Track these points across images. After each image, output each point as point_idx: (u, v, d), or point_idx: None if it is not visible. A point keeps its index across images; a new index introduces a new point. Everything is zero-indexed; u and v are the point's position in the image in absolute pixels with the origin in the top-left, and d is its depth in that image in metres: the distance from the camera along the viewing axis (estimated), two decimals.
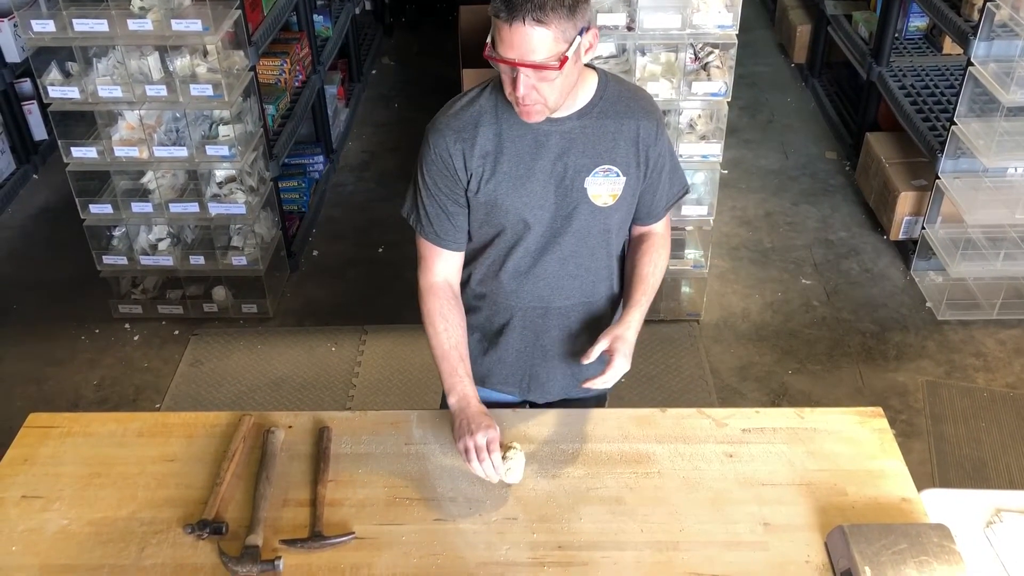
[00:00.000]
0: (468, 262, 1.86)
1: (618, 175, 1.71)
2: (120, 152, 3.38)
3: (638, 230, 1.88)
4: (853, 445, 1.83)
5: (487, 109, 1.68)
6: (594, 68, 1.71)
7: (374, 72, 5.80)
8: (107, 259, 3.66)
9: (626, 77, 3.20)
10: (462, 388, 1.75)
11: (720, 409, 1.92)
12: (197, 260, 3.68)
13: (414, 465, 1.81)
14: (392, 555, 1.63)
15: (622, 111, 1.69)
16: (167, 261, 3.68)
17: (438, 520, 1.70)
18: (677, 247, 3.71)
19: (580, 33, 1.52)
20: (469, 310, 1.90)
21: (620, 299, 1.92)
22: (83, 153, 3.38)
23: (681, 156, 3.31)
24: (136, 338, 3.74)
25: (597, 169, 1.69)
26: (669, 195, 1.84)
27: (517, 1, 1.46)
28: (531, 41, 1.48)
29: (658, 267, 1.84)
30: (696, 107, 3.31)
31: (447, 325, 1.77)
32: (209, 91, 3.25)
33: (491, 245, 1.79)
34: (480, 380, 1.94)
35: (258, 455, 1.83)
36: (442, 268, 1.81)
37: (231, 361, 3.58)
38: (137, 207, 3.51)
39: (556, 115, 1.65)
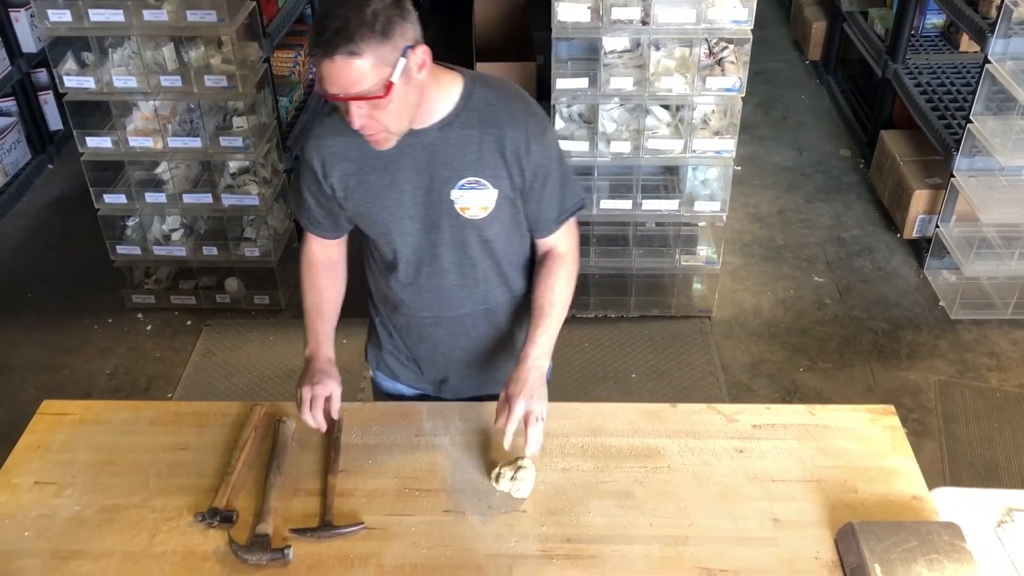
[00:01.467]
0: (374, 268, 1.89)
1: (487, 187, 1.66)
2: (135, 142, 3.39)
3: (540, 245, 1.83)
4: (864, 442, 1.82)
5: None
6: (462, 73, 1.66)
7: None
8: (120, 249, 3.68)
9: (639, 72, 3.22)
10: (315, 343, 1.81)
11: (731, 405, 1.92)
12: (210, 251, 3.69)
13: (424, 457, 1.82)
14: (401, 545, 1.64)
15: (487, 120, 1.63)
16: (180, 252, 3.69)
17: (447, 511, 1.70)
18: (689, 242, 3.70)
19: (403, 54, 1.47)
20: (379, 312, 1.95)
21: (526, 300, 1.89)
22: (98, 143, 3.40)
23: (694, 152, 3.30)
24: (149, 328, 3.77)
25: (463, 181, 1.65)
26: (561, 208, 1.77)
27: (326, 36, 1.43)
28: (349, 74, 1.44)
29: (557, 294, 1.77)
30: (710, 103, 3.30)
31: (311, 286, 1.85)
32: (224, 82, 3.26)
33: (379, 252, 1.82)
34: (393, 376, 2.00)
35: (269, 445, 1.84)
36: (316, 248, 1.86)
37: (243, 352, 3.60)
38: (151, 197, 3.53)
39: (417, 126, 1.61)
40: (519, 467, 1.71)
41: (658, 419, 1.91)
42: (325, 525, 1.66)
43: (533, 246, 1.86)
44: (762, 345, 3.58)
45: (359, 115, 1.51)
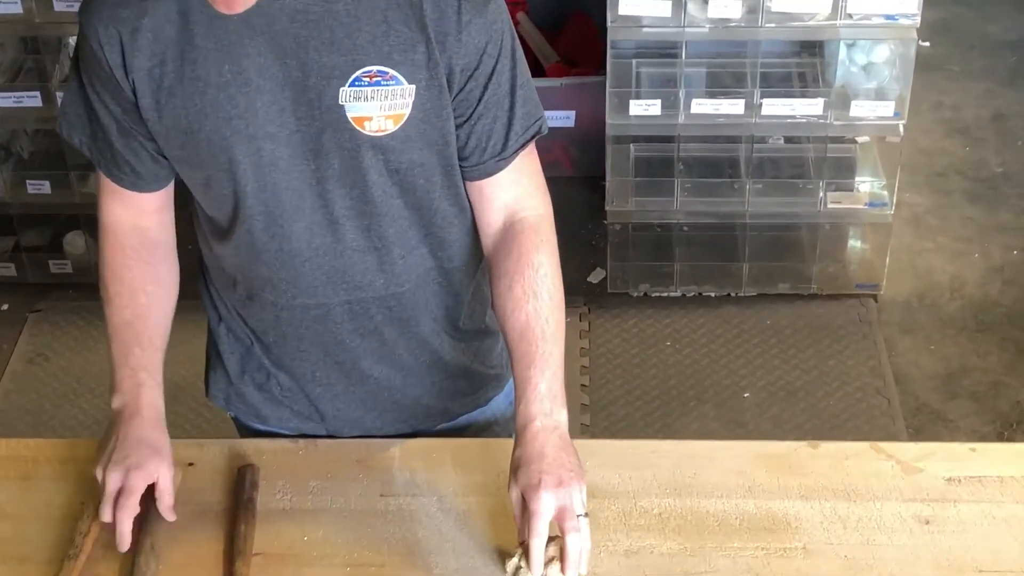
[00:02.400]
0: (207, 236, 1.91)
1: (398, 82, 1.68)
2: None
3: (487, 209, 1.84)
4: None
5: None
6: None
7: None
8: None
9: None
10: (130, 385, 1.82)
11: (910, 444, 1.95)
12: (39, 187, 3.72)
13: (396, 529, 1.82)
14: None
15: None
16: None
17: None
18: (845, 171, 3.68)
19: None
20: (228, 310, 1.99)
21: (468, 283, 1.94)
22: None
23: (850, 16, 3.28)
24: None
25: (358, 73, 1.68)
26: (510, 131, 1.78)
27: None
28: None
29: (544, 300, 1.79)
30: None
31: (120, 288, 1.87)
32: None
33: (218, 204, 1.82)
34: (257, 417, 2.06)
35: (139, 510, 1.83)
36: (123, 217, 1.87)
37: (94, 354, 3.61)
38: None
39: None
40: (552, 557, 1.71)
41: (788, 468, 1.90)
42: None
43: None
44: (964, 344, 3.57)
45: None
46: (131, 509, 1.74)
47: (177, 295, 1.93)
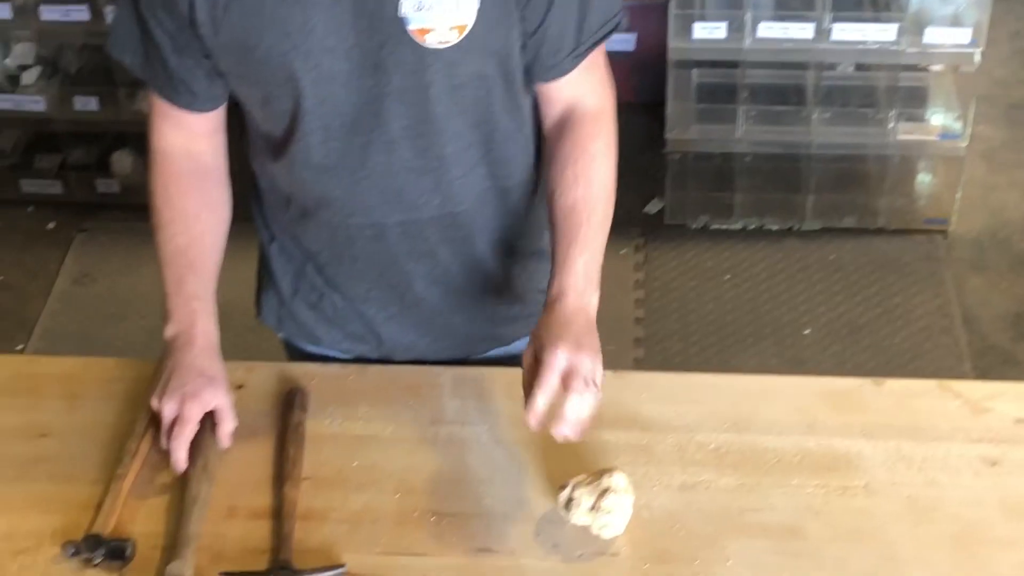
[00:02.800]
0: (261, 154, 1.91)
1: None
2: None
3: (551, 101, 1.85)
4: None
5: None
6: None
7: None
8: None
9: None
10: (185, 314, 1.84)
11: (979, 383, 1.95)
12: (87, 104, 3.73)
13: (446, 458, 1.84)
14: None
15: None
16: (37, 105, 3.74)
17: (483, 551, 1.72)
18: (917, 101, 3.63)
19: None
20: (281, 229, 1.99)
21: (526, 197, 1.93)
22: None
23: None
24: None
25: None
26: (581, 30, 1.77)
27: None
28: None
29: (596, 184, 1.81)
30: None
31: (173, 214, 1.88)
32: None
33: (271, 123, 1.81)
34: (311, 337, 2.07)
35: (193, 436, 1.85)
36: (176, 140, 1.88)
37: (141, 276, 3.64)
38: None
39: None
40: (606, 488, 1.72)
41: (850, 405, 1.90)
42: (279, 568, 1.69)
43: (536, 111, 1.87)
44: None
45: None
46: (186, 438, 1.77)
47: (230, 220, 1.94)
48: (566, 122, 1.84)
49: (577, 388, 1.65)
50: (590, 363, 1.68)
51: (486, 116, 1.82)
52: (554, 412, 1.65)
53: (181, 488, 1.78)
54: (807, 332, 3.47)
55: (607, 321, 3.40)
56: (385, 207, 1.85)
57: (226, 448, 1.84)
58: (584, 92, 1.84)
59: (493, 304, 2.00)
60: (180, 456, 1.76)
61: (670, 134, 3.71)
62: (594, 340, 1.73)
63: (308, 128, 1.77)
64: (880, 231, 3.72)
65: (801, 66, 3.66)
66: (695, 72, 3.78)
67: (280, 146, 1.83)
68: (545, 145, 1.89)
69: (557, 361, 1.66)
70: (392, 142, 1.79)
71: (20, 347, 3.47)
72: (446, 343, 2.02)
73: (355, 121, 1.76)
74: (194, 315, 1.84)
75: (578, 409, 1.65)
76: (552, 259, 1.80)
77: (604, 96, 1.86)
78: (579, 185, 1.80)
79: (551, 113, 1.86)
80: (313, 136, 1.78)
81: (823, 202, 3.74)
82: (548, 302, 1.75)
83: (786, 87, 3.73)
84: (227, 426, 1.81)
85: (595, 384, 1.68)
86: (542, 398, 1.64)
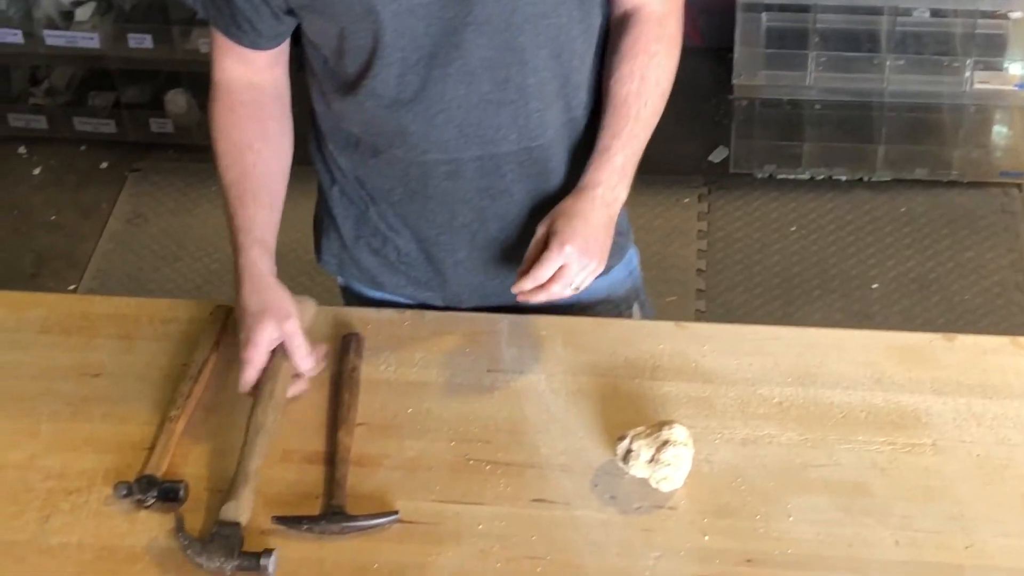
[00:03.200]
0: (329, 93, 1.90)
1: None
2: None
3: (618, 2, 1.87)
4: None
5: None
6: None
7: None
8: None
9: None
10: (238, 246, 1.85)
11: None
12: (141, 41, 3.75)
13: (502, 406, 1.85)
14: (460, 553, 1.67)
15: None
16: (90, 41, 3.75)
17: (539, 502, 1.73)
18: (994, 49, 3.59)
19: None
20: (343, 173, 2.00)
21: (589, 134, 1.93)
22: None
23: None
24: (37, 171, 3.89)
25: None
26: None
27: None
28: None
29: (650, 81, 1.82)
30: None
31: (228, 147, 1.89)
32: None
33: (345, 59, 1.81)
34: (372, 284, 2.09)
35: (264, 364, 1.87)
36: (237, 74, 1.89)
37: (194, 217, 3.68)
38: None
39: None
40: (665, 440, 1.72)
41: (919, 360, 1.89)
42: (332, 513, 1.71)
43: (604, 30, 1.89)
44: None
45: None
46: (254, 366, 1.77)
47: (291, 154, 1.94)
48: (630, 18, 1.85)
49: (562, 286, 1.73)
50: (587, 271, 1.76)
51: (565, 44, 1.81)
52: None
53: (243, 427, 1.79)
54: (875, 287, 3.45)
55: (668, 271, 3.46)
56: (462, 142, 1.85)
57: (312, 369, 1.84)
58: None
59: None
60: (249, 378, 1.78)
61: (737, 80, 3.68)
62: (606, 241, 1.79)
63: (385, 62, 1.77)
64: (953, 183, 3.68)
65: (875, 11, 3.61)
66: (765, 16, 3.74)
67: (353, 82, 1.83)
68: (609, 38, 1.88)
69: (562, 255, 1.72)
70: (471, 74, 1.78)
71: (72, 287, 3.50)
72: (510, 282, 2.01)
73: (433, 53, 1.76)
74: (240, 250, 1.84)
75: (548, 293, 1.73)
76: (596, 148, 1.81)
77: (675, 2, 1.87)
78: (634, 80, 1.82)
79: (617, 9, 1.86)
80: (390, 70, 1.78)
81: (894, 152, 3.70)
82: (580, 187, 1.79)
83: (859, 32, 3.69)
84: (299, 352, 1.80)
85: (580, 286, 1.76)
86: (530, 283, 1.73)
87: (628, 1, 1.85)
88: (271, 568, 1.64)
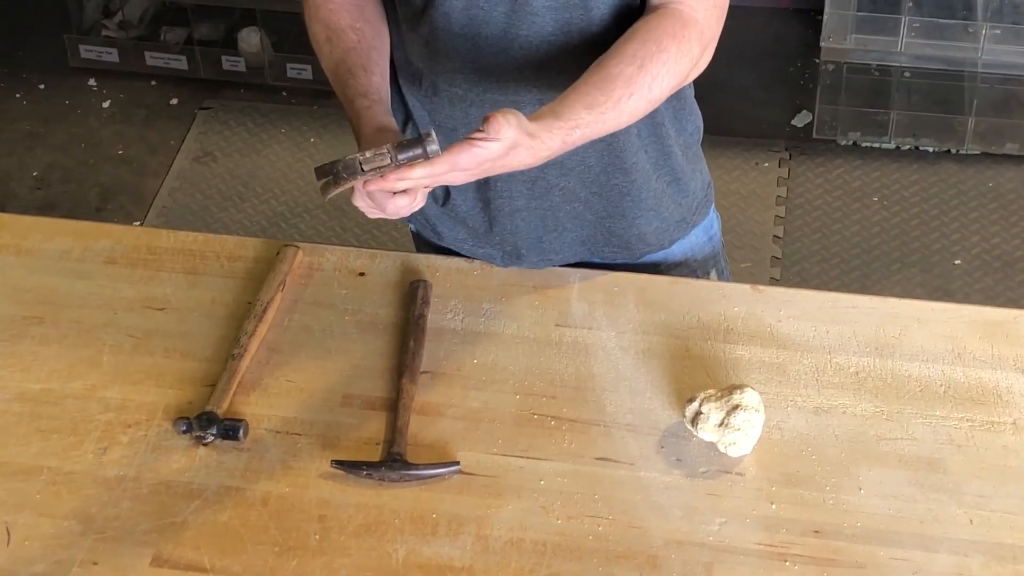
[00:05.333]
0: (400, 22, 1.91)
1: None
2: None
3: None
4: None
5: None
6: None
7: None
8: None
9: None
10: (353, 115, 1.80)
11: None
12: None
13: (569, 363, 1.85)
14: (520, 508, 1.69)
15: None
16: None
17: (604, 460, 1.74)
18: None
19: None
20: (411, 110, 1.98)
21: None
22: None
23: None
24: (106, 105, 3.92)
25: None
26: None
27: None
28: None
29: (646, 73, 1.72)
30: None
31: (329, 33, 1.88)
32: None
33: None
34: (434, 234, 2.09)
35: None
36: None
37: (262, 158, 3.71)
38: None
39: None
40: (736, 405, 1.72)
41: (1003, 337, 1.88)
42: (393, 460, 1.72)
43: None
44: None
45: None
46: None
47: (388, 37, 1.92)
48: (658, 9, 1.79)
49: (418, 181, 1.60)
50: (465, 175, 1.62)
51: None
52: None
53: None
54: (957, 263, 3.41)
55: (744, 236, 3.45)
56: (523, 83, 1.85)
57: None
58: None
59: (629, 203, 1.97)
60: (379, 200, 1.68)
61: (826, 43, 3.64)
62: (501, 170, 1.65)
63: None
64: None
65: None
66: None
67: (420, 13, 1.84)
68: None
69: (463, 165, 1.59)
70: (534, 14, 1.78)
71: (137, 223, 3.53)
72: (573, 238, 2.00)
73: None
74: (359, 116, 1.81)
75: (394, 205, 1.64)
76: (562, 100, 1.69)
77: (706, 11, 1.79)
78: (632, 66, 1.72)
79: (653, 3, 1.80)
80: (456, 1, 1.79)
81: (985, 125, 3.65)
82: (535, 116, 1.66)
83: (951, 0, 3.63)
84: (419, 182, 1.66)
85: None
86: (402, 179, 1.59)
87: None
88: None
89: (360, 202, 1.66)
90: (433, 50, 1.86)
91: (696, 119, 2.04)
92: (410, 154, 1.56)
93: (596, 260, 2.04)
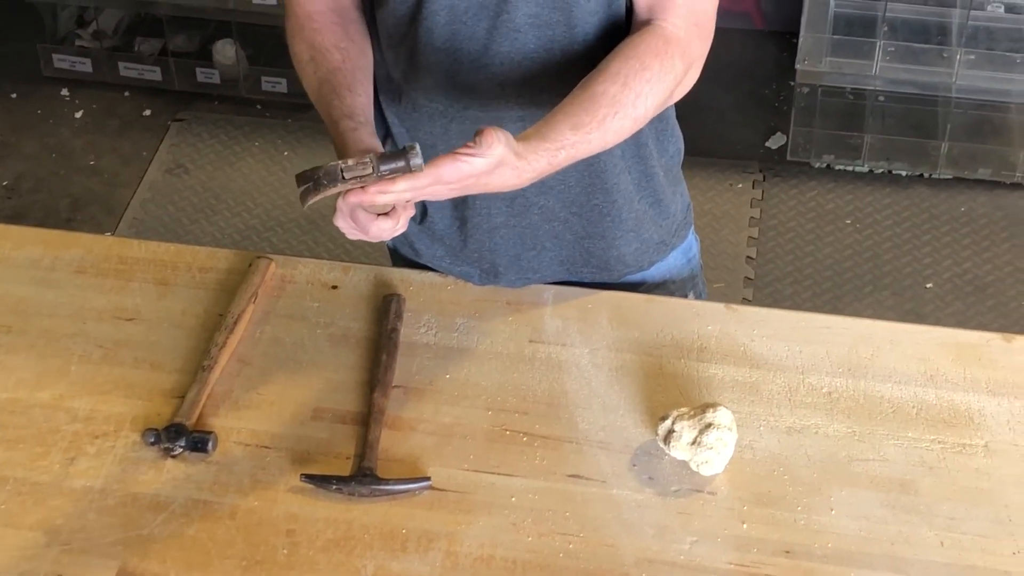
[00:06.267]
0: (381, 38, 1.91)
1: None
2: None
3: (640, 10, 1.81)
4: None
5: None
6: None
7: None
8: None
9: None
10: (337, 135, 1.79)
11: None
12: None
13: (542, 378, 1.85)
14: (491, 524, 1.68)
15: None
16: None
17: (575, 477, 1.73)
18: None
19: None
20: (391, 126, 1.98)
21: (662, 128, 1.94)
22: None
23: None
24: (79, 115, 3.91)
25: None
26: None
27: None
28: None
29: (630, 91, 1.71)
30: None
31: (313, 52, 1.87)
32: None
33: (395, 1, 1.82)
34: (411, 250, 2.09)
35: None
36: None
37: (235, 170, 3.70)
38: None
39: None
40: (709, 423, 1.72)
41: (975, 359, 1.88)
42: (363, 475, 1.71)
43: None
44: None
45: None
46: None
47: (372, 56, 1.92)
48: (643, 28, 1.78)
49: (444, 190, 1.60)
50: (448, 189, 1.61)
51: (616, 10, 1.81)
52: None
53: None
54: (929, 286, 3.42)
55: (717, 257, 3.45)
56: (504, 100, 1.84)
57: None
58: (679, 15, 1.77)
59: (609, 223, 1.97)
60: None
61: (801, 65, 3.66)
62: (494, 184, 1.63)
63: (432, 9, 1.78)
64: (1017, 185, 3.64)
65: (947, 2, 3.58)
66: (832, 1, 3.71)
67: (402, 30, 1.84)
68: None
69: (451, 170, 1.57)
70: (516, 30, 1.78)
71: (108, 234, 3.51)
72: (552, 257, 2.00)
73: (482, 5, 1.77)
74: (343, 137, 1.79)
75: (378, 226, 1.64)
76: (547, 122, 1.68)
77: (688, 28, 1.79)
78: (616, 83, 1.71)
79: (639, 15, 1.80)
80: (436, 18, 1.79)
81: (958, 150, 3.66)
82: (522, 137, 1.65)
83: (929, 24, 3.65)
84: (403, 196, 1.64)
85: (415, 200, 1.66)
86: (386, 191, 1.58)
87: (647, 10, 1.79)
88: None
89: (342, 222, 1.66)
90: (414, 66, 1.86)
91: (678, 141, 2.04)
92: (393, 166, 1.55)
93: (574, 280, 2.04)
